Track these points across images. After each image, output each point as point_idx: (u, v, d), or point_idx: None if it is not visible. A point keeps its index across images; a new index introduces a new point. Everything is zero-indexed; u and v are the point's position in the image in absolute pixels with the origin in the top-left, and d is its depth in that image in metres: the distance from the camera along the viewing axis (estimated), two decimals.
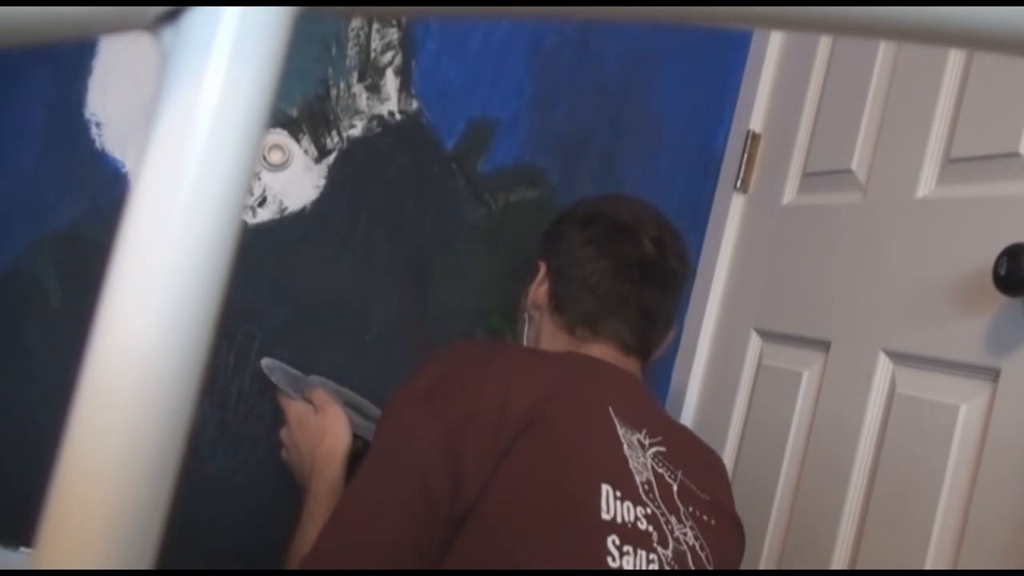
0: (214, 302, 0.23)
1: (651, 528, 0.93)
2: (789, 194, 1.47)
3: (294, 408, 1.26)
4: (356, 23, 1.45)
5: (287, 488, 1.42)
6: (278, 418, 1.32)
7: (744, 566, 1.22)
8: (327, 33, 1.44)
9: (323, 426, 1.22)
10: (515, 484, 0.89)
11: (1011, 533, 0.94)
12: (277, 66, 0.23)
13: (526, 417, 0.93)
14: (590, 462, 0.95)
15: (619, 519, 0.91)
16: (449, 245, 1.49)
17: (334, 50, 1.44)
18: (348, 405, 1.32)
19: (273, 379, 1.31)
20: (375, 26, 1.45)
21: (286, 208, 1.43)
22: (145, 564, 0.23)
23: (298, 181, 1.43)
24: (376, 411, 1.36)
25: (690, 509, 1.02)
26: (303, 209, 1.44)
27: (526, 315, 1.26)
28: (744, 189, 1.56)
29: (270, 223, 1.42)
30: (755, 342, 1.46)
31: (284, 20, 0.23)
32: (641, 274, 1.19)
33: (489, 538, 0.88)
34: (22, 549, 1.31)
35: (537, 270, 1.25)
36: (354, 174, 1.45)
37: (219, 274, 0.23)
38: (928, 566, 1.03)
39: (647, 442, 1.03)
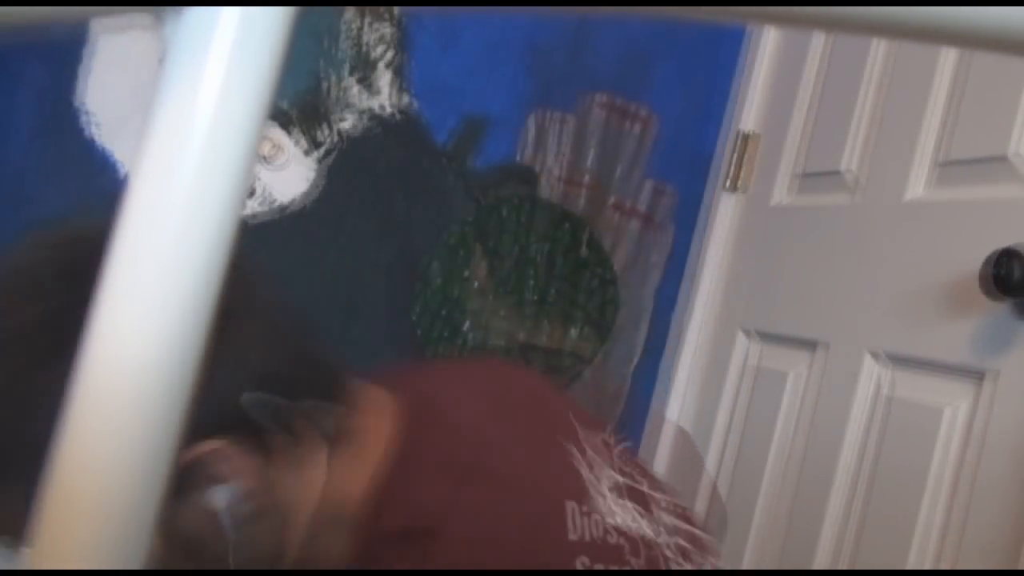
0: (212, 299, 0.23)
1: (622, 541, 0.90)
2: (780, 195, 1.47)
3: None
4: (349, 16, 1.44)
5: None
6: None
7: (730, 565, 1.23)
8: (319, 26, 1.43)
9: None
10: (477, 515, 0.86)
11: (995, 533, 0.95)
12: (279, 58, 0.23)
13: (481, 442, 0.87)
14: (551, 482, 0.88)
15: (587, 536, 0.88)
16: (438, 240, 1.49)
17: (326, 43, 1.43)
18: None
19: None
20: (368, 20, 1.45)
21: (275, 200, 1.43)
22: (136, 564, 0.23)
23: (288, 174, 1.43)
24: None
25: (663, 505, 0.99)
26: (292, 201, 1.43)
27: None
28: (735, 189, 1.57)
29: (259, 215, 1.42)
30: (743, 342, 1.46)
31: (286, 13, 0.23)
32: None
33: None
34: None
35: None
36: (344, 168, 1.45)
37: (217, 272, 0.23)
38: (914, 565, 1.04)
39: (612, 440, 0.97)
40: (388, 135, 1.47)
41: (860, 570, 1.11)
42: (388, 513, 0.80)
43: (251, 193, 1.42)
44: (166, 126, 0.23)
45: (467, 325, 1.50)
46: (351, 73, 1.45)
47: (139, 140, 0.23)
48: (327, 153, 1.44)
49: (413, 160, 1.48)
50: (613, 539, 0.87)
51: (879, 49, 1.32)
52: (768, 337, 1.41)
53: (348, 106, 1.45)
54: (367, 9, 1.44)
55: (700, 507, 1.43)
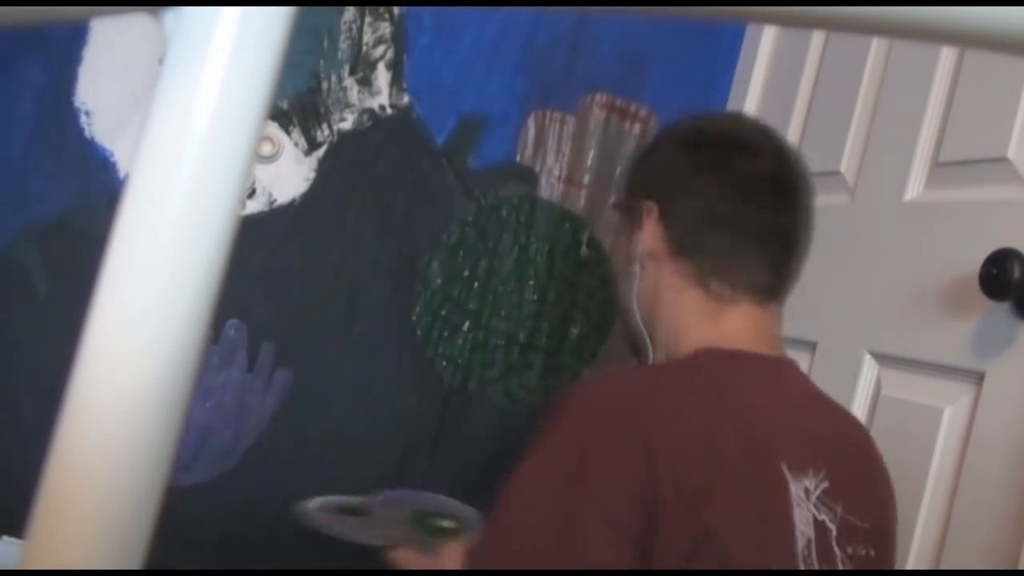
0: (211, 299, 0.23)
1: None
2: None
3: (398, 559, 1.11)
4: (348, 16, 1.44)
5: (272, 484, 1.42)
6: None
7: None
8: (319, 26, 1.43)
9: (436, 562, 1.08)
10: None
11: (993, 534, 0.95)
12: (278, 58, 0.23)
13: (706, 511, 0.79)
14: (765, 555, 0.83)
15: None
16: (438, 240, 1.49)
17: (326, 43, 1.44)
18: (415, 517, 1.22)
19: (322, 529, 1.19)
20: (367, 19, 1.45)
21: (275, 200, 1.43)
22: (135, 564, 0.23)
23: (287, 173, 1.43)
24: (455, 505, 1.25)
25: (848, 551, 0.90)
26: (292, 201, 1.43)
27: (635, 269, 1.03)
28: None
29: (259, 215, 1.42)
30: None
31: (285, 13, 0.23)
32: (773, 194, 0.99)
33: None
34: (5, 538, 1.31)
35: (639, 213, 1.02)
36: (344, 167, 1.45)
37: (216, 269, 0.23)
38: (911, 565, 1.04)
39: (812, 486, 0.89)
40: (388, 135, 1.47)
41: (860, 570, 1.11)
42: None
43: (251, 193, 1.42)
44: (166, 126, 0.23)
45: (467, 325, 1.50)
46: (351, 73, 1.45)
47: (139, 140, 0.23)
48: (327, 153, 1.44)
49: (413, 160, 1.48)
50: None
51: (878, 48, 1.32)
52: None
53: (348, 106, 1.45)
54: (366, 8, 1.44)
55: None
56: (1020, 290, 0.94)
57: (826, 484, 0.89)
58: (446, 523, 1.20)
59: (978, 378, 1.02)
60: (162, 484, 0.24)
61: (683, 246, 0.99)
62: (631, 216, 1.05)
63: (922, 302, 1.11)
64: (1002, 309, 0.99)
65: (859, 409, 1.17)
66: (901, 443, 1.10)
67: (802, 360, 1.30)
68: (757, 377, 0.93)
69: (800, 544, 0.84)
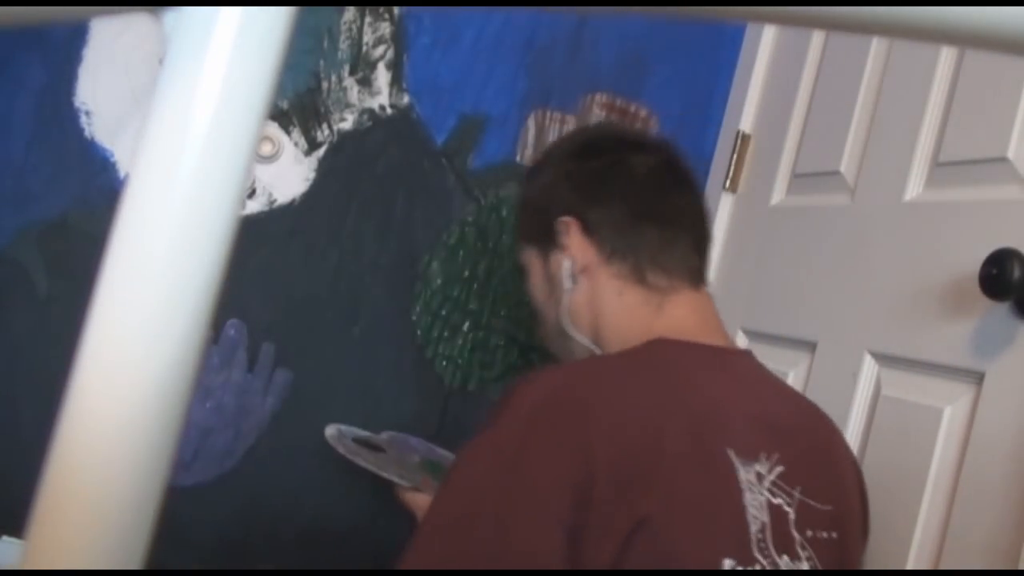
0: (211, 297, 0.23)
1: None
2: (778, 195, 1.47)
3: (415, 502, 1.14)
4: (348, 16, 1.44)
5: (272, 484, 1.42)
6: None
7: None
8: (319, 26, 1.43)
9: None
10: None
11: (993, 534, 0.95)
12: (278, 58, 0.23)
13: (644, 498, 0.79)
14: (713, 538, 0.83)
15: None
16: (438, 240, 1.49)
17: (326, 43, 1.44)
18: (427, 464, 1.27)
19: (350, 456, 1.22)
20: (367, 19, 1.45)
21: (275, 200, 1.43)
22: (135, 564, 0.23)
23: (288, 174, 1.43)
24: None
25: (809, 534, 0.90)
26: (292, 202, 1.43)
27: (565, 290, 1.04)
28: (733, 189, 1.57)
29: (259, 215, 1.42)
30: (742, 341, 1.46)
31: (286, 13, 0.23)
32: (676, 180, 1.04)
33: None
34: (5, 538, 1.31)
35: (557, 233, 1.03)
36: (344, 167, 1.45)
37: (216, 270, 0.23)
38: (911, 565, 1.04)
39: (765, 470, 0.89)
40: (387, 135, 1.47)
41: (860, 570, 1.11)
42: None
43: (251, 193, 1.42)
44: (166, 126, 0.23)
45: (467, 325, 1.50)
46: (351, 73, 1.45)
47: (139, 140, 0.23)
48: (327, 153, 1.44)
49: (413, 160, 1.48)
50: None
51: (877, 48, 1.32)
52: (767, 337, 1.41)
53: (348, 106, 1.45)
54: (366, 8, 1.44)
55: None
56: (1020, 290, 0.94)
57: (781, 468, 0.89)
58: None
59: (978, 378, 1.02)
60: (162, 484, 0.24)
61: (614, 249, 1.01)
62: (544, 242, 1.06)
63: (922, 302, 1.11)
64: (1002, 309, 0.99)
65: (859, 409, 1.17)
66: (901, 443, 1.10)
67: (802, 360, 1.30)
68: (706, 365, 0.94)
69: (754, 528, 0.84)
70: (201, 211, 0.23)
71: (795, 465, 0.91)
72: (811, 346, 1.29)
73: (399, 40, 1.47)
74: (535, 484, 0.78)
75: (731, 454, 0.86)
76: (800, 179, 1.44)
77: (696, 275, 1.03)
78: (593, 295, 1.02)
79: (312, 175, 1.44)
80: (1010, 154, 1.05)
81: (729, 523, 0.84)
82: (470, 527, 0.79)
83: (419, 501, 1.12)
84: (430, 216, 1.49)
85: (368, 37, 1.46)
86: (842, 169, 1.32)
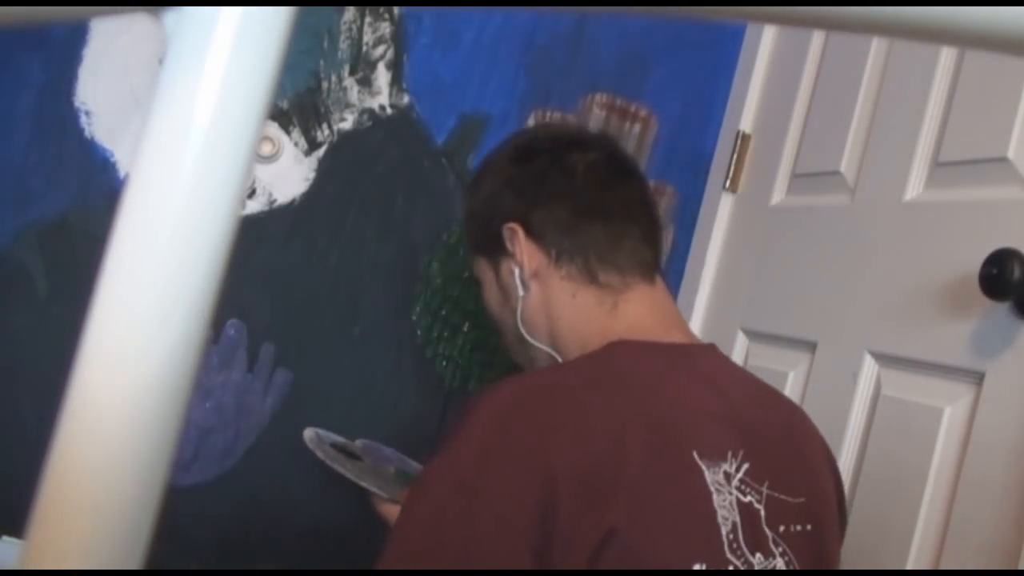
0: (211, 298, 0.23)
1: None
2: (778, 195, 1.47)
3: (392, 514, 1.10)
4: (348, 16, 1.44)
5: (272, 484, 1.42)
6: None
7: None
8: (319, 26, 1.43)
9: None
10: None
11: (993, 534, 0.95)
12: (278, 58, 0.23)
13: (610, 510, 0.77)
14: (682, 546, 0.82)
15: None
16: (438, 240, 1.49)
17: (326, 43, 1.44)
18: (401, 476, 1.27)
19: (328, 462, 1.22)
20: (367, 19, 1.45)
21: (275, 200, 1.43)
22: (135, 564, 0.23)
23: (288, 173, 1.43)
24: None
25: (781, 529, 0.89)
26: (292, 202, 1.43)
27: (518, 297, 1.03)
28: (733, 189, 1.57)
29: (259, 215, 1.42)
30: (742, 342, 1.47)
31: (285, 13, 0.23)
32: (619, 173, 1.03)
33: None
34: (5, 538, 1.31)
35: (503, 240, 1.02)
36: (344, 167, 1.45)
37: (216, 270, 0.23)
38: (911, 565, 1.04)
39: (732, 469, 0.87)
40: (387, 135, 1.47)
41: (860, 570, 1.11)
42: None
43: (251, 193, 1.42)
44: (166, 126, 0.23)
45: (467, 325, 1.50)
46: (351, 73, 1.45)
47: (139, 140, 0.23)
48: (327, 153, 1.44)
49: (413, 160, 1.48)
50: None
51: (878, 49, 1.32)
52: (768, 337, 1.41)
53: (348, 106, 1.45)
54: (366, 8, 1.44)
55: None
56: (1020, 290, 0.94)
57: (747, 465, 0.88)
58: None
59: (978, 378, 1.02)
60: (162, 484, 0.24)
61: (561, 250, 0.99)
62: (493, 251, 1.05)
63: (922, 302, 1.11)
64: (1002, 309, 0.99)
65: (859, 409, 1.18)
66: (901, 443, 1.10)
67: (802, 360, 1.30)
68: (667, 366, 0.92)
69: (724, 529, 0.83)
70: (201, 211, 0.23)
71: (762, 459, 0.90)
72: (811, 346, 1.29)
73: (399, 40, 1.47)
74: (497, 508, 0.77)
75: (696, 457, 0.85)
76: (800, 179, 1.44)
77: (648, 268, 1.01)
78: (546, 299, 1.01)
79: (312, 175, 1.44)
80: (1010, 154, 1.05)
81: (698, 528, 0.83)
82: (436, 557, 0.77)
83: (396, 514, 1.10)
84: (430, 216, 1.49)
85: (368, 37, 1.46)
86: (842, 169, 1.32)
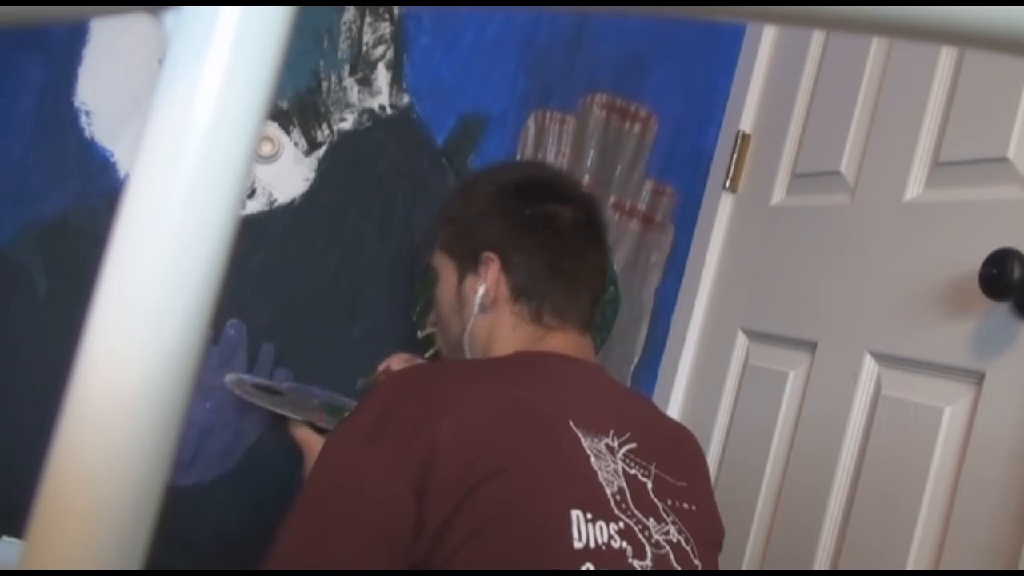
0: (211, 298, 0.23)
1: (625, 544, 0.91)
2: (778, 195, 1.47)
3: (306, 438, 1.19)
4: (348, 16, 1.44)
5: (272, 484, 1.42)
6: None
7: (729, 565, 1.23)
8: (319, 26, 1.43)
9: None
10: (481, 526, 0.85)
11: (993, 534, 0.95)
12: (278, 58, 0.23)
13: (485, 459, 0.88)
14: (556, 491, 0.90)
15: (592, 543, 0.87)
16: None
17: (326, 43, 1.44)
18: (326, 406, 1.30)
19: (247, 397, 1.27)
20: (367, 19, 1.45)
21: (275, 200, 1.43)
22: (135, 564, 0.23)
23: (288, 173, 1.43)
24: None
25: (669, 503, 0.98)
26: (292, 201, 1.43)
27: (471, 310, 1.11)
28: (733, 189, 1.57)
29: (259, 215, 1.42)
30: (742, 342, 1.47)
31: (285, 13, 0.23)
32: (591, 237, 1.13)
33: None
34: (5, 538, 1.31)
35: (478, 263, 1.10)
36: (344, 167, 1.45)
37: (216, 270, 0.23)
38: (911, 565, 1.04)
39: (616, 444, 0.98)
40: (387, 135, 1.47)
41: (860, 570, 1.11)
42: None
43: (251, 193, 1.42)
44: (166, 126, 0.23)
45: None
46: (351, 73, 1.45)
47: (139, 140, 0.23)
48: (327, 153, 1.44)
49: (413, 160, 1.48)
50: (617, 544, 0.88)
51: (878, 49, 1.32)
52: (768, 337, 1.41)
53: (348, 106, 1.45)
54: (366, 8, 1.44)
55: None
56: (1020, 290, 0.94)
57: (633, 445, 0.99)
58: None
59: (978, 378, 1.02)
60: (162, 484, 0.24)
61: (523, 292, 1.09)
62: (464, 262, 1.13)
63: (922, 302, 1.11)
64: (1002, 309, 0.99)
65: (859, 409, 1.18)
66: (901, 443, 1.10)
67: (802, 360, 1.30)
68: (560, 369, 1.05)
69: (610, 490, 0.92)
70: (201, 211, 0.23)
71: (648, 446, 1.01)
72: (811, 346, 1.29)
73: (399, 40, 1.47)
74: (386, 453, 0.89)
75: (572, 424, 0.96)
76: (800, 179, 1.44)
77: (585, 322, 1.12)
78: (493, 325, 1.11)
79: (312, 175, 1.44)
80: (1010, 154, 1.05)
81: (574, 479, 0.92)
82: (339, 493, 0.90)
83: (310, 438, 1.18)
84: (430, 216, 1.49)
85: (368, 37, 1.46)
86: (842, 169, 1.32)
